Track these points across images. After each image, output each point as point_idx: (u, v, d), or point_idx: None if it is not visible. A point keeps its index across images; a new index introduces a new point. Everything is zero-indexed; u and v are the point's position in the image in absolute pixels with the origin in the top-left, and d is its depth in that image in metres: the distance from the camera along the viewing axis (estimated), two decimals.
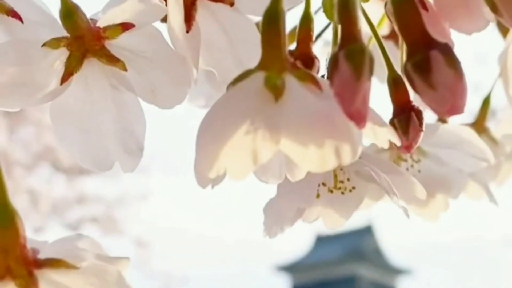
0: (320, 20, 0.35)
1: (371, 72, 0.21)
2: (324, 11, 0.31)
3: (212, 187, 0.23)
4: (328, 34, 0.39)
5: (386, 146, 0.23)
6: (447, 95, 0.21)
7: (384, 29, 0.42)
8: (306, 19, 0.32)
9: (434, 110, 0.22)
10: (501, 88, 0.38)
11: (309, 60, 0.32)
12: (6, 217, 0.22)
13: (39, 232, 4.81)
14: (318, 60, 0.33)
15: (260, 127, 0.21)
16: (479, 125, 0.47)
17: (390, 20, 0.24)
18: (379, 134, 0.23)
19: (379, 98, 0.31)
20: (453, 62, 0.22)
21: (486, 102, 0.48)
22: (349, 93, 0.20)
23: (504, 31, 0.43)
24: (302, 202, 0.30)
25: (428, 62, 0.22)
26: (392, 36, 0.43)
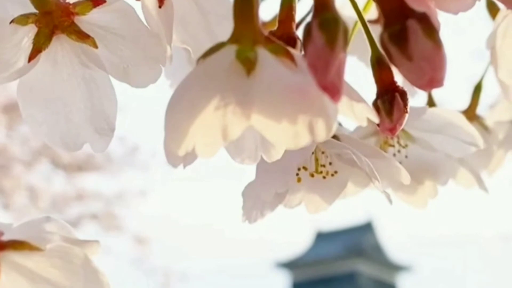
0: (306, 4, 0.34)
1: (345, 43, 0.20)
2: None
3: (184, 167, 0.22)
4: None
5: (364, 123, 0.22)
6: (425, 66, 0.20)
7: (371, 14, 0.41)
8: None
9: (413, 82, 0.21)
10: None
11: (290, 40, 0.31)
12: None
13: None
14: (301, 41, 0.32)
15: (231, 102, 0.20)
16: (470, 113, 0.46)
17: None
18: (356, 111, 0.22)
19: (367, 83, 0.30)
20: (431, 32, 0.21)
21: (477, 89, 0.47)
22: (323, 63, 0.19)
23: (493, 12, 0.42)
24: (280, 186, 0.29)
25: (405, 32, 0.21)
26: (379, 20, 0.42)
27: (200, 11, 0.25)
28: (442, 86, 0.20)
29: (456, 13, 0.28)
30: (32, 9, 0.26)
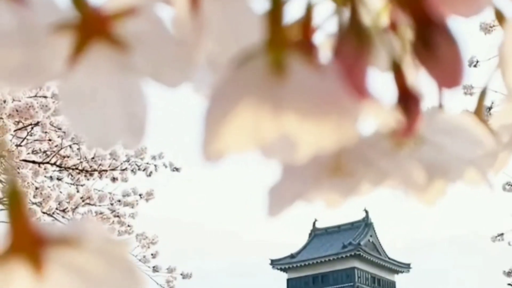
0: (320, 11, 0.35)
1: (372, 49, 0.22)
2: None
3: (218, 163, 0.23)
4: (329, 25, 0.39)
5: (388, 126, 0.24)
6: (449, 67, 0.22)
7: (384, 21, 0.43)
8: (307, 8, 0.32)
9: (439, 81, 0.22)
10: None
11: (309, 46, 0.33)
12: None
13: None
14: (317, 49, 0.33)
15: (264, 105, 0.22)
16: (477, 116, 0.47)
17: (397, 5, 0.25)
18: (380, 114, 0.24)
19: (381, 87, 0.31)
20: (453, 39, 0.22)
21: (482, 94, 0.48)
22: (355, 68, 0.21)
23: (501, 20, 0.43)
24: (305, 186, 0.31)
25: (434, 38, 0.22)
26: (391, 27, 0.44)
27: (229, 20, 0.27)
28: (460, 85, 0.22)
29: (468, 16, 0.30)
30: (66, 16, 0.27)
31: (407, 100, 0.30)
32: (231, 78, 0.22)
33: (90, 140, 0.27)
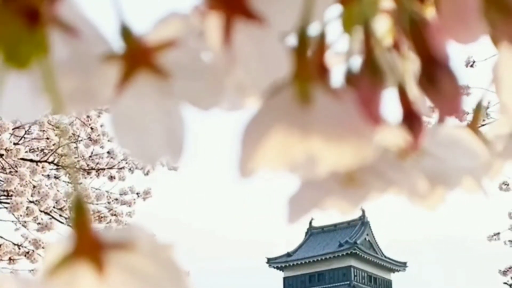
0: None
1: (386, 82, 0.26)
2: (343, 24, 0.35)
3: (250, 178, 0.27)
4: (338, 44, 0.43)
5: (396, 147, 0.28)
6: (449, 99, 0.26)
7: (388, 41, 0.47)
8: (321, 34, 0.36)
9: (440, 109, 0.26)
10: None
11: (322, 70, 0.37)
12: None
13: (44, 229, 4.83)
14: (330, 70, 0.37)
15: (293, 130, 0.26)
16: (472, 128, 0.51)
17: (403, 35, 0.29)
18: (390, 135, 0.27)
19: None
20: (453, 75, 0.26)
21: (478, 106, 0.52)
22: (371, 99, 0.25)
23: (496, 42, 0.47)
24: (321, 195, 0.35)
25: (437, 75, 0.26)
26: (395, 47, 0.48)
27: (259, 53, 0.30)
28: (459, 113, 0.26)
29: (466, 43, 0.34)
30: (113, 47, 0.31)
31: (411, 118, 0.34)
32: (264, 107, 0.26)
33: (136, 156, 0.30)
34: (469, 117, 0.53)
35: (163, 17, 0.31)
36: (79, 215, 0.26)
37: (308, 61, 0.27)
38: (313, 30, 0.36)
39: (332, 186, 0.36)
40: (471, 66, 5.07)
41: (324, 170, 0.29)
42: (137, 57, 0.30)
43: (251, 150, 0.26)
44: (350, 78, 0.27)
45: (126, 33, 0.30)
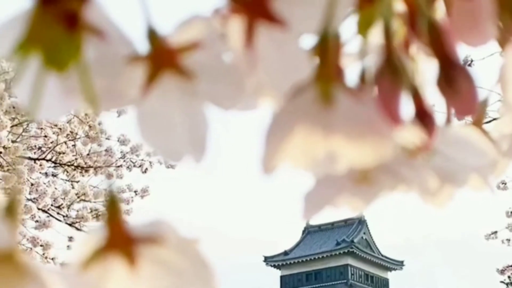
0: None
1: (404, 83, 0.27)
2: (359, 27, 0.37)
3: (272, 175, 0.29)
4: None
5: (412, 145, 0.29)
6: (466, 99, 0.27)
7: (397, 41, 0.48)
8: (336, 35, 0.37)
9: (457, 110, 0.28)
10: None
11: (338, 71, 0.38)
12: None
13: (42, 227, 4.83)
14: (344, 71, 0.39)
15: (315, 130, 0.27)
16: (477, 126, 0.52)
17: (417, 37, 0.30)
18: (406, 134, 0.29)
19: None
20: (470, 77, 0.28)
21: (483, 105, 0.53)
22: (392, 100, 0.26)
23: (503, 43, 0.48)
24: (335, 192, 0.36)
25: (455, 76, 0.28)
26: (405, 46, 0.49)
27: (280, 56, 0.32)
28: (475, 113, 0.28)
29: (476, 46, 0.35)
30: (137, 49, 0.32)
31: (424, 118, 0.35)
32: (288, 107, 0.27)
33: (162, 154, 0.32)
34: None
35: (185, 20, 0.32)
36: (112, 209, 0.28)
37: (330, 63, 0.28)
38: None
39: (345, 183, 0.38)
40: (469, 65, 5.09)
41: (343, 167, 0.30)
42: (162, 58, 0.31)
43: (274, 148, 0.27)
44: (366, 78, 0.29)
45: (152, 34, 0.31)
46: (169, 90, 0.32)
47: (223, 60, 0.32)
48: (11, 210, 0.25)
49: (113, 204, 0.28)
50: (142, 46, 0.32)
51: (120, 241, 0.27)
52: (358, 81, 0.32)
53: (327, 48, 0.28)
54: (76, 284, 0.25)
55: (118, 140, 5.77)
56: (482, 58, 4.95)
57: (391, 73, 0.27)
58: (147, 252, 0.28)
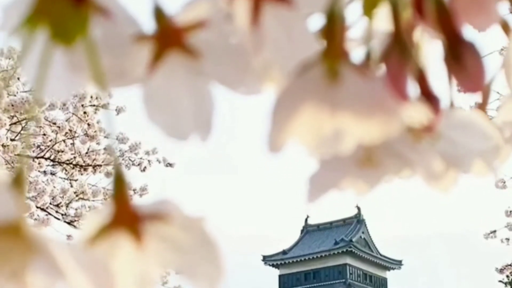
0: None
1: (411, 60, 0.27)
2: (364, 8, 0.36)
3: (278, 154, 0.28)
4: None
5: (421, 123, 0.29)
6: (473, 75, 0.27)
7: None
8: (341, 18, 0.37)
9: (464, 86, 0.28)
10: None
11: (344, 50, 0.38)
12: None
13: (40, 225, 4.83)
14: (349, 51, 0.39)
15: (322, 107, 0.27)
16: (481, 110, 0.52)
17: (422, 16, 0.30)
18: (414, 112, 0.29)
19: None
20: (478, 53, 0.27)
21: (486, 90, 0.53)
22: (400, 76, 0.26)
23: (506, 30, 0.48)
24: (339, 175, 0.36)
25: (462, 52, 0.28)
26: (409, 28, 0.49)
27: (286, 35, 0.31)
28: (480, 91, 0.28)
29: (482, 29, 0.35)
30: (143, 28, 0.32)
31: (429, 100, 0.35)
32: (294, 84, 0.27)
33: (167, 133, 0.31)
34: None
35: None
36: (119, 187, 0.27)
37: (337, 40, 0.28)
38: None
39: (349, 167, 0.38)
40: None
41: (351, 144, 0.30)
42: (168, 37, 0.31)
43: (281, 125, 0.27)
44: (372, 57, 0.29)
45: (159, 13, 0.31)
46: (175, 69, 0.32)
47: (230, 39, 0.32)
48: (18, 181, 0.25)
49: (119, 182, 0.28)
50: (149, 25, 0.32)
51: (127, 218, 0.27)
52: (364, 60, 0.32)
53: (334, 25, 0.28)
54: (83, 260, 0.25)
55: (116, 139, 5.77)
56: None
57: (399, 50, 0.27)
58: (153, 230, 0.28)
